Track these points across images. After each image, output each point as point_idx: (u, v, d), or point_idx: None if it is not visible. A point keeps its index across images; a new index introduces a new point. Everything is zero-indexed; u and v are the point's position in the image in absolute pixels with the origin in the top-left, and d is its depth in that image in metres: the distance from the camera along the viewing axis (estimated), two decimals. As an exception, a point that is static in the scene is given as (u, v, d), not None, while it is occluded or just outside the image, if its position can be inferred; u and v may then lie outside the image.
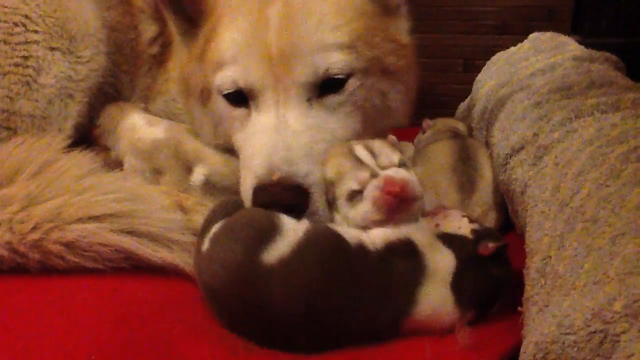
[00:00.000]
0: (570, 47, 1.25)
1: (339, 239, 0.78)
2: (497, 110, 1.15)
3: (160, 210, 0.97)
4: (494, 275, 0.78)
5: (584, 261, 0.65)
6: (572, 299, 0.61)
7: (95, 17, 1.25)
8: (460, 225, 0.85)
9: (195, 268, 0.82)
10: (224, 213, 0.84)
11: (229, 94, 0.99)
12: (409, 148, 1.34)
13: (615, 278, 0.58)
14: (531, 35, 1.33)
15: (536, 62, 1.20)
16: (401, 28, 1.08)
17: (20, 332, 0.79)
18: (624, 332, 0.52)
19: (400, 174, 0.81)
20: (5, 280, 0.90)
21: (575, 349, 0.56)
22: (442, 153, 1.11)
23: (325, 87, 0.96)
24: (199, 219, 1.01)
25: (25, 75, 1.14)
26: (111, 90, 1.33)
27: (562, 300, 0.63)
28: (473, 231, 0.83)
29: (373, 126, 1.04)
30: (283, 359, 0.74)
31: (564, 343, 0.58)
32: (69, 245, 0.91)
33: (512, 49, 1.32)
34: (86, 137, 1.23)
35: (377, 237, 0.79)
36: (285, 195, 0.87)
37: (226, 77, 0.98)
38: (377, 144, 0.87)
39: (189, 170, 1.10)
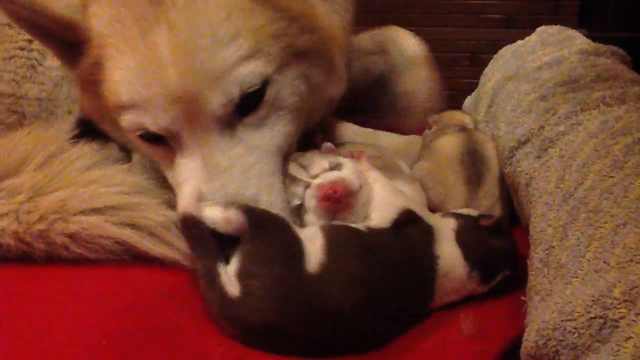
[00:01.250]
0: (577, 40, 1.26)
1: (350, 228, 0.80)
2: (503, 103, 1.16)
3: (161, 204, 0.99)
4: (495, 243, 0.84)
5: (586, 250, 0.67)
6: (574, 287, 0.63)
7: None
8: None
9: (227, 318, 0.75)
10: (219, 249, 0.78)
11: (142, 135, 0.90)
12: (418, 141, 1.35)
13: (615, 266, 0.60)
14: (539, 29, 1.34)
15: (543, 55, 1.21)
16: None
17: (31, 318, 0.81)
18: (622, 318, 0.54)
19: (329, 176, 0.84)
20: (13, 269, 0.93)
21: (576, 334, 0.58)
22: (448, 147, 1.12)
23: (243, 105, 0.87)
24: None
25: (31, 59, 1.16)
26: None
27: (564, 289, 0.65)
28: (481, 215, 0.91)
29: (308, 112, 0.99)
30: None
31: (564, 329, 0.60)
32: (72, 236, 0.93)
33: (519, 42, 1.33)
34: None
35: (378, 220, 0.82)
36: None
37: (132, 122, 0.88)
38: (308, 156, 0.89)
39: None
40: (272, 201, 0.86)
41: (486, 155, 1.10)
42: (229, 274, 0.74)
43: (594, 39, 1.28)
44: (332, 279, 0.74)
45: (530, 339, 0.66)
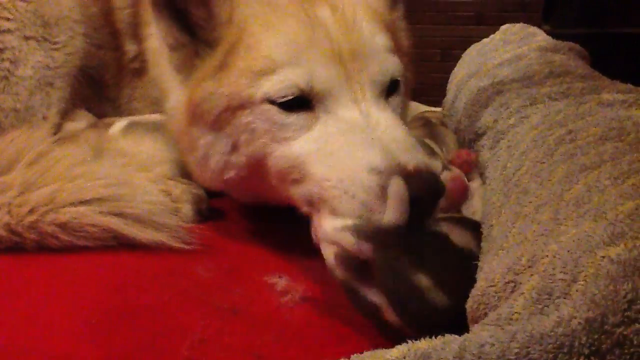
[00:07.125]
0: (537, 38, 1.39)
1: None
2: (465, 98, 1.29)
3: (144, 194, 1.12)
4: None
5: (513, 227, 0.80)
6: (499, 258, 0.76)
7: None
8: None
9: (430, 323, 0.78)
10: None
11: (284, 101, 0.97)
12: None
13: (531, 239, 0.73)
14: (502, 27, 1.47)
15: (504, 52, 1.34)
16: (404, 29, 1.19)
17: (26, 302, 0.93)
18: (525, 281, 0.67)
19: (455, 171, 1.00)
20: (6, 258, 1.04)
21: (496, 297, 0.71)
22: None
23: (388, 88, 1.03)
24: (186, 208, 1.18)
25: (3, 70, 1.23)
26: (96, 74, 1.42)
27: (492, 260, 0.78)
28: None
29: None
30: (263, 318, 0.88)
31: (488, 294, 0.72)
32: (62, 226, 1.06)
33: (485, 40, 1.46)
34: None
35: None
36: (436, 185, 0.87)
37: (283, 81, 0.96)
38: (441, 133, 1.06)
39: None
40: (437, 165, 0.97)
41: (447, 148, 1.23)
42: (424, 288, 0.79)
43: (557, 35, 1.41)
44: None
45: (468, 305, 0.79)
